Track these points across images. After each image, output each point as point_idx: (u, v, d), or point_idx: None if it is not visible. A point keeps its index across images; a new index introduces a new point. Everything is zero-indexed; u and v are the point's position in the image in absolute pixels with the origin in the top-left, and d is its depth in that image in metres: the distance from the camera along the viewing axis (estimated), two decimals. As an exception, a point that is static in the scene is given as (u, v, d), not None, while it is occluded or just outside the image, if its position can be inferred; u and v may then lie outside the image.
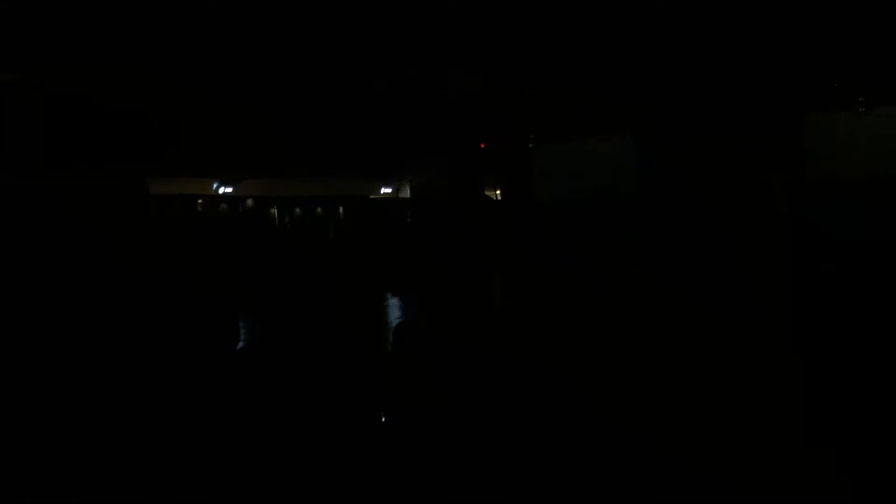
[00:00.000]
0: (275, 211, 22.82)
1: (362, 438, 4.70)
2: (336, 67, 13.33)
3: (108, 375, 5.92)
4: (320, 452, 4.49)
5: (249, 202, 22.20)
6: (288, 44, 12.09)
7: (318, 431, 4.76)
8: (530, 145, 18.83)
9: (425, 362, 5.46)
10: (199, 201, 20.90)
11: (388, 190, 26.50)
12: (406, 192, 25.94)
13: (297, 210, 23.38)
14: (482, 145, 19.32)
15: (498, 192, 22.76)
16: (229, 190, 21.39)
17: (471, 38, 12.14)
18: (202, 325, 6.62)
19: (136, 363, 6.08)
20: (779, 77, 13.79)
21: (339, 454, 4.49)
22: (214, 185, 21.06)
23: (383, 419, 4.99)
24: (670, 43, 12.37)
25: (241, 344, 6.39)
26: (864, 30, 12.13)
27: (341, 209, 24.56)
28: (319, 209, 23.96)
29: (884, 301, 8.16)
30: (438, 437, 4.60)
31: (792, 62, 13.44)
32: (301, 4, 10.56)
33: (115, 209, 15.57)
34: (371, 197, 25.99)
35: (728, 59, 13.20)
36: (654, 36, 12.08)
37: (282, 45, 12.14)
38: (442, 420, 4.81)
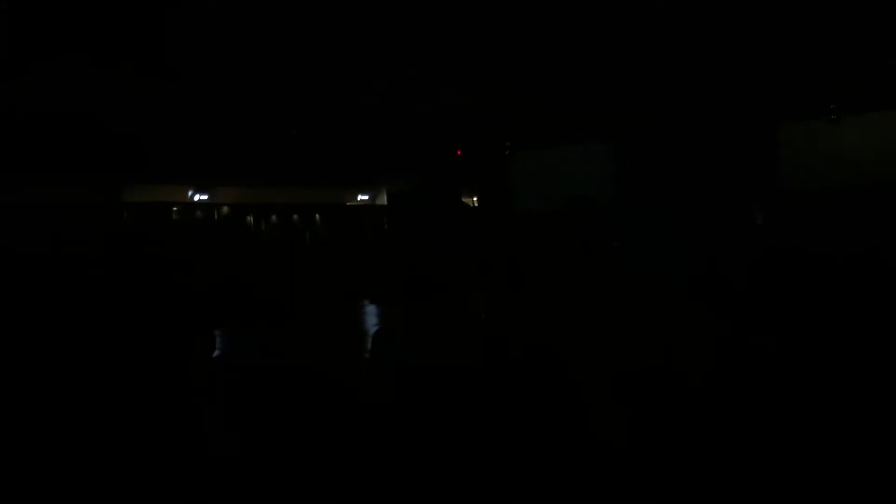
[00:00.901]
0: (251, 218, 22.66)
1: (340, 442, 4.67)
2: (313, 77, 13.30)
3: (83, 384, 5.83)
4: (297, 454, 4.47)
5: (225, 209, 22.02)
6: (265, 54, 12.04)
7: (295, 434, 4.73)
8: (507, 153, 18.88)
9: (401, 369, 5.45)
10: (175, 209, 20.70)
11: (365, 197, 26.45)
12: (383, 200, 25.91)
13: (274, 217, 23.24)
14: (458, 153, 19.34)
15: (475, 199, 22.80)
16: (205, 197, 21.21)
17: (450, 51, 12.17)
18: (178, 334, 6.56)
19: (111, 373, 6.00)
20: (752, 87, 13.95)
21: (317, 456, 4.46)
22: (189, 193, 20.87)
23: (362, 423, 4.97)
24: (646, 55, 12.48)
25: (216, 353, 6.33)
26: (835, 38, 12.31)
27: (318, 217, 24.46)
28: (296, 217, 23.84)
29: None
30: (415, 441, 4.58)
31: (764, 72, 13.61)
32: (283, 17, 10.53)
33: (88, 218, 15.41)
34: (348, 204, 25.94)
35: (701, 70, 13.34)
36: (631, 49, 12.18)
37: (258, 55, 12.08)
38: (417, 423, 4.80)
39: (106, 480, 4.14)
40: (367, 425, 4.92)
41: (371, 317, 12.92)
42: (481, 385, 5.33)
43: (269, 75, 13.18)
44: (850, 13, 11.43)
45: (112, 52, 11.17)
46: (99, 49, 11.02)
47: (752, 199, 14.80)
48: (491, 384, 5.41)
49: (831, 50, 12.87)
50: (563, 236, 15.33)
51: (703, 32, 11.90)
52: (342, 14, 10.69)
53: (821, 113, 14.81)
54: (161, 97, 13.65)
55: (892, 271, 9.64)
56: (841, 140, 14.74)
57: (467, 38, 11.77)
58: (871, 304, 8.32)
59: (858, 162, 14.42)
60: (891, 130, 14.32)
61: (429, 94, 14.88)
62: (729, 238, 13.43)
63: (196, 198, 21.10)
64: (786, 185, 14.99)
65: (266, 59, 12.34)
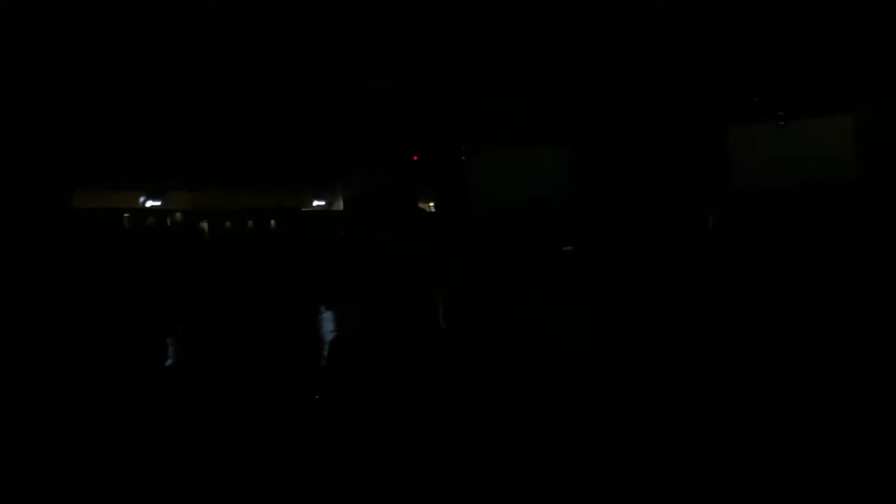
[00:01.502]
0: (205, 224, 22.30)
1: (294, 451, 4.61)
2: (269, 78, 13.14)
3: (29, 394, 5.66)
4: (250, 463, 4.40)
5: (178, 215, 21.64)
6: (219, 58, 11.86)
7: (247, 444, 4.65)
8: (463, 157, 18.93)
9: (359, 375, 5.40)
10: (126, 215, 20.27)
11: (322, 203, 26.24)
12: (339, 205, 25.74)
13: (228, 223, 22.91)
14: (415, 157, 19.33)
15: (432, 204, 22.81)
16: (157, 203, 20.82)
17: (408, 56, 12.15)
18: (128, 342, 6.39)
19: (58, 382, 5.83)
20: (702, 90, 14.19)
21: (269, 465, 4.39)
22: (141, 199, 20.46)
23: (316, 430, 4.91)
24: (603, 59, 12.61)
25: (168, 361, 6.21)
26: (784, 46, 12.59)
27: (273, 222, 24.19)
28: (251, 222, 23.54)
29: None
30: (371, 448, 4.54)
31: (715, 76, 13.85)
32: (239, 22, 10.38)
33: (37, 223, 15.02)
34: (303, 209, 25.70)
35: (654, 75, 13.53)
36: (587, 53, 12.29)
37: (212, 60, 11.90)
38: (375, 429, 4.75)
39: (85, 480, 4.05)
40: (330, 429, 4.86)
41: (327, 322, 12.78)
42: (443, 385, 5.30)
43: (225, 78, 12.99)
44: (799, 21, 11.70)
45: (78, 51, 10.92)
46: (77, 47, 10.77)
47: (704, 199, 15.07)
48: (452, 383, 5.38)
49: (779, 57, 13.16)
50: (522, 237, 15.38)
51: (658, 39, 12.07)
52: (302, 18, 10.59)
53: (769, 118, 15.16)
54: (113, 98, 13.34)
55: (837, 268, 9.88)
56: (788, 143, 15.10)
57: (423, 42, 11.75)
58: (819, 299, 8.50)
59: (805, 164, 14.79)
60: (834, 135, 14.74)
61: (386, 99, 14.83)
62: (681, 236, 13.63)
63: (148, 204, 20.70)
64: (735, 185, 15.31)
65: (221, 62, 12.16)
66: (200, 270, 15.40)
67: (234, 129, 16.23)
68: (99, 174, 16.88)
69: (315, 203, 26.08)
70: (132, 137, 15.31)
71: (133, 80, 12.51)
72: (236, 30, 10.82)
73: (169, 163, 17.59)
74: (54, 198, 15.75)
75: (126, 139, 15.32)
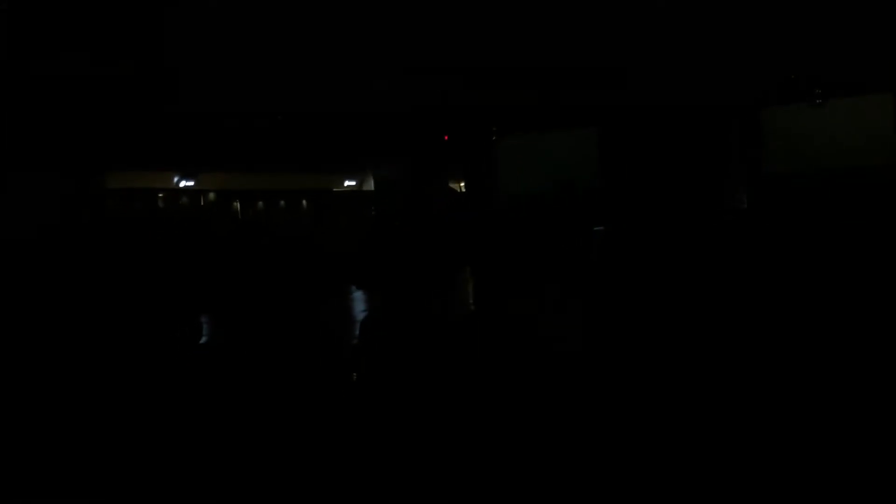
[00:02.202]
0: (237, 204, 22.65)
1: (325, 431, 4.72)
2: (297, 61, 13.22)
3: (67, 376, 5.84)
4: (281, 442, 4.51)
5: (211, 195, 21.99)
6: (250, 38, 11.94)
7: (282, 422, 4.78)
8: (493, 138, 18.88)
9: (390, 355, 5.50)
10: (160, 195, 20.64)
11: (352, 183, 26.39)
12: (370, 185, 25.85)
13: (260, 203, 23.25)
14: (445, 137, 19.31)
15: (462, 184, 22.79)
16: (191, 183, 21.14)
17: (435, 37, 12.13)
18: (164, 321, 6.57)
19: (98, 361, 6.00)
20: (734, 70, 13.97)
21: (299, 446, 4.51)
22: (175, 179, 20.79)
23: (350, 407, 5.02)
24: (627, 40, 12.47)
25: (203, 339, 6.38)
26: (819, 20, 12.32)
27: (304, 202, 24.46)
28: (282, 202, 23.85)
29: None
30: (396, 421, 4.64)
31: (747, 54, 13.62)
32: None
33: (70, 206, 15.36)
34: (334, 190, 25.88)
35: (682, 54, 13.35)
36: (612, 34, 12.17)
37: (244, 40, 11.98)
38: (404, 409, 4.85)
39: (97, 477, 4.16)
40: (354, 409, 4.97)
41: (358, 302, 12.94)
42: (464, 366, 5.38)
43: (256, 59, 13.07)
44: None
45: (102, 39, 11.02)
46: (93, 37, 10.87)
47: (735, 183, 14.89)
48: (472, 366, 5.46)
49: (816, 32, 12.89)
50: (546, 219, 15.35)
51: (686, 15, 11.91)
52: (316, 16, 10.62)
53: (805, 97, 14.84)
54: (143, 80, 13.50)
55: (873, 254, 9.76)
56: (825, 125, 14.79)
57: (453, 23, 11.72)
58: (855, 287, 8.43)
59: (841, 147, 14.49)
60: (873, 115, 14.41)
61: (414, 79, 14.83)
62: (710, 220, 13.51)
63: (182, 184, 21.03)
64: (768, 169, 15.07)
65: (252, 43, 12.23)
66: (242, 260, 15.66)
67: (266, 108, 16.38)
68: (132, 155, 17.16)
69: (346, 183, 26.25)
70: (164, 120, 15.52)
71: (141, 75, 12.64)
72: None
73: (204, 145, 17.83)
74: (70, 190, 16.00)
75: (157, 121, 15.53)
